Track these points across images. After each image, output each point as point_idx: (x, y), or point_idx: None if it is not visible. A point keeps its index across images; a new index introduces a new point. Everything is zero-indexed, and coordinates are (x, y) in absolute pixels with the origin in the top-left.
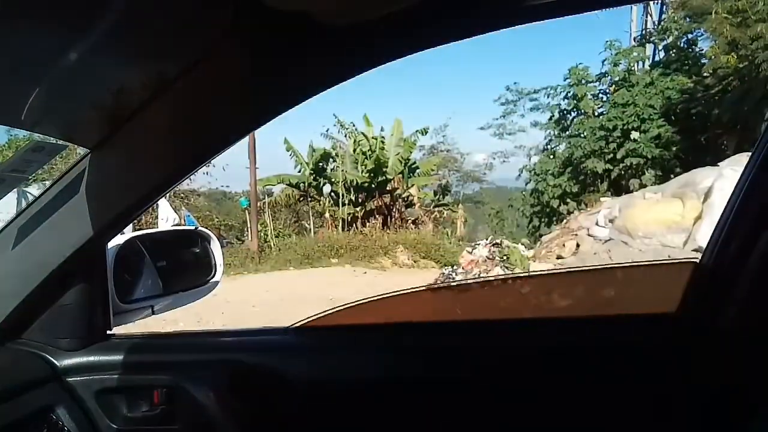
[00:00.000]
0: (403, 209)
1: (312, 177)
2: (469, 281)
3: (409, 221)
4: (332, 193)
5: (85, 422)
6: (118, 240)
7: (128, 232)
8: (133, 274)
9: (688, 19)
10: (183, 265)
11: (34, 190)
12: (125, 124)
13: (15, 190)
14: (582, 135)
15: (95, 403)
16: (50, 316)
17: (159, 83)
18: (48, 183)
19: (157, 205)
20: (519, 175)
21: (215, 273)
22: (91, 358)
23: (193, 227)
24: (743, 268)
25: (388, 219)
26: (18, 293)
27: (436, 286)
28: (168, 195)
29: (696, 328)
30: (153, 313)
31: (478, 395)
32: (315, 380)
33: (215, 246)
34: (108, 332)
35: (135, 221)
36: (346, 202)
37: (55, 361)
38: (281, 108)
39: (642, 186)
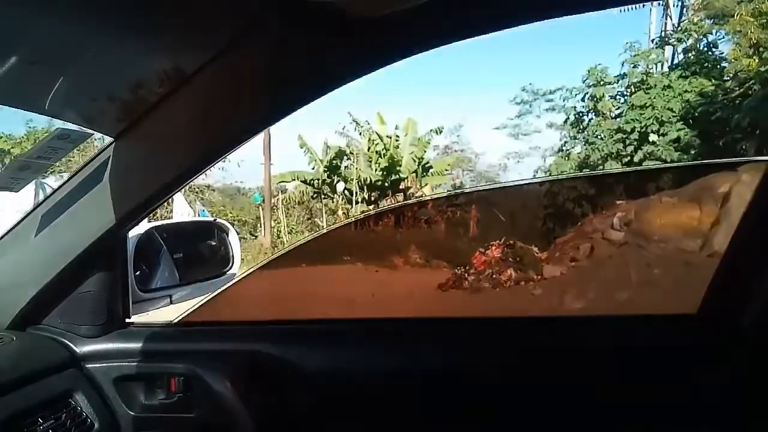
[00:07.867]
0: (416, 208)
1: (326, 174)
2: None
3: (422, 221)
4: (345, 191)
5: (103, 408)
6: (138, 230)
7: (146, 223)
8: (152, 263)
9: (709, 21)
10: (201, 256)
11: (51, 181)
12: (146, 115)
13: (33, 182)
14: (599, 137)
15: (113, 390)
16: (70, 303)
17: (179, 76)
18: (65, 176)
19: (172, 198)
20: (533, 176)
21: (233, 264)
22: (110, 346)
23: (212, 219)
24: (764, 269)
25: (401, 218)
26: (40, 279)
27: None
28: (183, 189)
29: (716, 328)
30: (171, 302)
31: (492, 392)
32: (329, 371)
33: (233, 238)
34: (127, 320)
35: (150, 214)
36: (359, 200)
37: (74, 348)
38: (300, 103)
39: (659, 189)
